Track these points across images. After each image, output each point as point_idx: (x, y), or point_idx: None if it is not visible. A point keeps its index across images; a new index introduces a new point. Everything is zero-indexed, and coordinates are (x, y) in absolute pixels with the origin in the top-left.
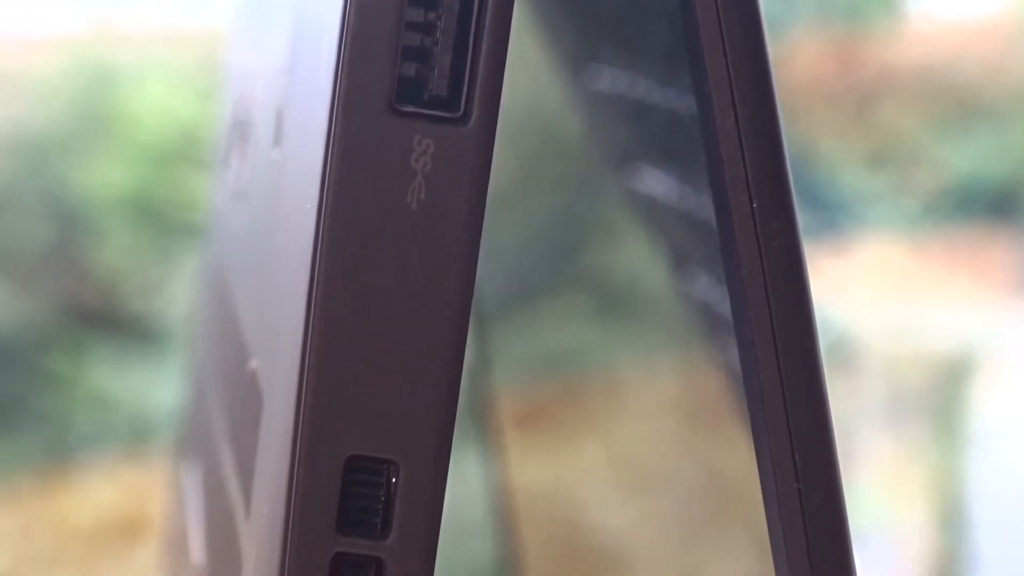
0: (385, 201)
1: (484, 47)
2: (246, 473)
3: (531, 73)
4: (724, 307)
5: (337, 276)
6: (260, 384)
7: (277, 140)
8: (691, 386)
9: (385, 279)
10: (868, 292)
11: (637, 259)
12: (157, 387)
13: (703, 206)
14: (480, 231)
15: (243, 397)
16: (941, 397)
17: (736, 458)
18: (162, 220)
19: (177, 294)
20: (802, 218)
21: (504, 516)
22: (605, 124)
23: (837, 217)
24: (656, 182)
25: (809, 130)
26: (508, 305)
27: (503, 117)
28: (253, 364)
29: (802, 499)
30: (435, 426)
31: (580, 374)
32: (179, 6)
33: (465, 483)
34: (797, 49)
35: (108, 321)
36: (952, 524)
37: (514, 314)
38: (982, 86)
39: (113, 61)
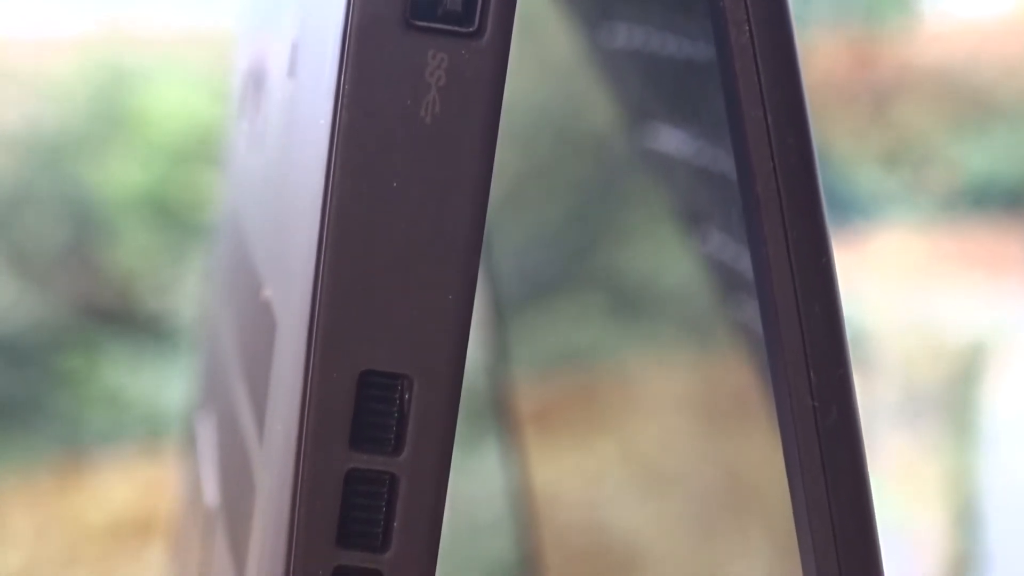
0: (399, 115)
1: None
2: (259, 401)
3: (547, 43)
4: (739, 264)
5: (350, 191)
6: (274, 310)
7: (292, 71)
8: (711, 382)
9: (399, 194)
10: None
11: (654, 250)
12: (171, 385)
13: (719, 159)
14: (494, 146)
15: (257, 327)
16: (956, 395)
17: (758, 452)
18: (177, 220)
19: (191, 293)
20: None
21: (523, 512)
22: (621, 84)
23: (852, 216)
24: (672, 139)
25: (825, 129)
26: (528, 300)
27: (519, 89)
28: (267, 293)
29: (816, 416)
30: (449, 341)
31: (599, 370)
32: (194, 7)
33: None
34: (813, 48)
35: (123, 320)
36: (966, 523)
37: (534, 309)
38: (998, 86)
39: (128, 61)
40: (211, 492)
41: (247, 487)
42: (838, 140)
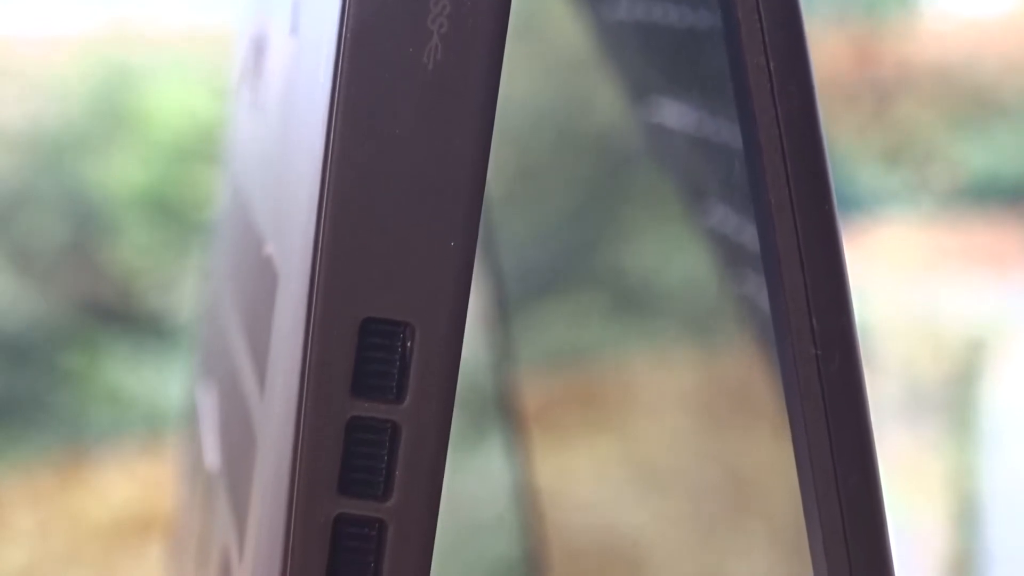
0: (401, 63)
1: None
2: (261, 357)
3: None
4: (743, 237)
5: (352, 139)
6: (275, 264)
7: (294, 29)
8: (718, 378)
9: (401, 141)
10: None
11: (659, 243)
12: (172, 383)
13: (722, 129)
14: (496, 93)
15: (258, 285)
16: (957, 392)
17: (765, 448)
18: (178, 218)
19: (192, 291)
20: None
21: (527, 510)
22: (623, 60)
23: (854, 214)
24: (675, 112)
25: (826, 127)
26: (533, 296)
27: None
28: (268, 248)
29: (819, 364)
30: (451, 288)
31: (604, 367)
32: (196, 6)
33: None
34: (814, 46)
35: (124, 318)
36: (967, 521)
37: (539, 306)
38: (999, 84)
39: (130, 60)
40: (212, 456)
41: (248, 443)
42: (840, 138)
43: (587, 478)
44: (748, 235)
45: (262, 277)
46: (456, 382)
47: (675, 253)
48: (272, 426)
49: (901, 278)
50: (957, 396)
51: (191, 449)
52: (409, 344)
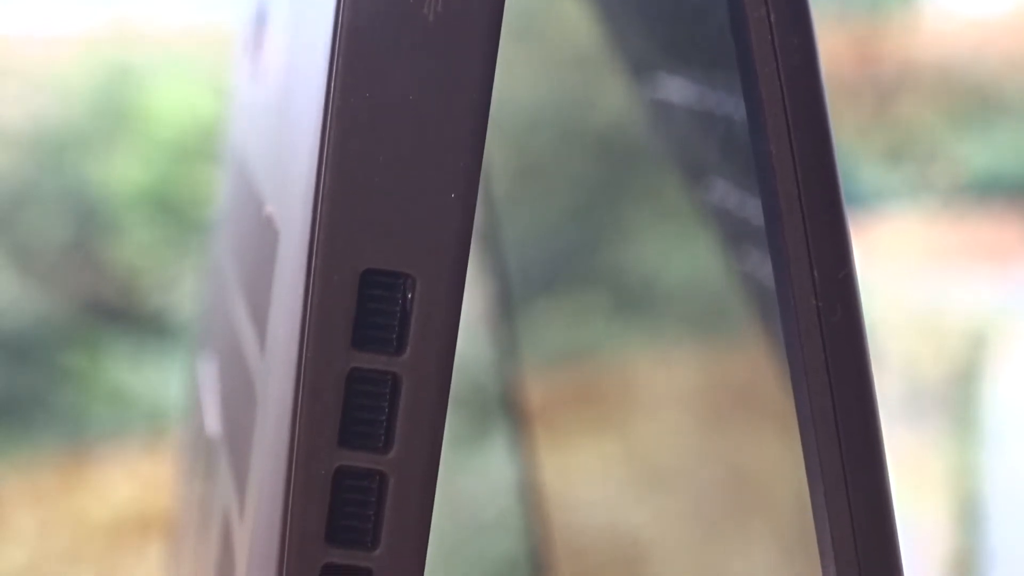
0: (402, 14)
1: None
2: (261, 315)
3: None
4: (745, 212)
5: (353, 91)
6: (276, 222)
7: None
8: (723, 375)
9: (401, 92)
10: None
11: (662, 238)
12: (174, 381)
13: (723, 101)
14: (497, 44)
15: (259, 244)
16: (958, 390)
17: (772, 445)
18: (180, 216)
19: (194, 289)
20: None
21: (531, 507)
22: (624, 33)
23: (856, 211)
24: (677, 86)
25: None
26: (537, 294)
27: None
28: (269, 208)
29: (820, 316)
30: (452, 240)
31: (607, 364)
32: (198, 5)
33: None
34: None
35: (126, 317)
36: (969, 518)
37: (543, 303)
38: (1001, 82)
39: (132, 58)
40: (213, 423)
41: (249, 402)
42: (842, 136)
43: (592, 476)
44: (751, 210)
45: (263, 237)
46: (457, 334)
47: (679, 248)
48: (272, 382)
49: (902, 275)
50: (959, 394)
51: (192, 426)
52: (410, 296)
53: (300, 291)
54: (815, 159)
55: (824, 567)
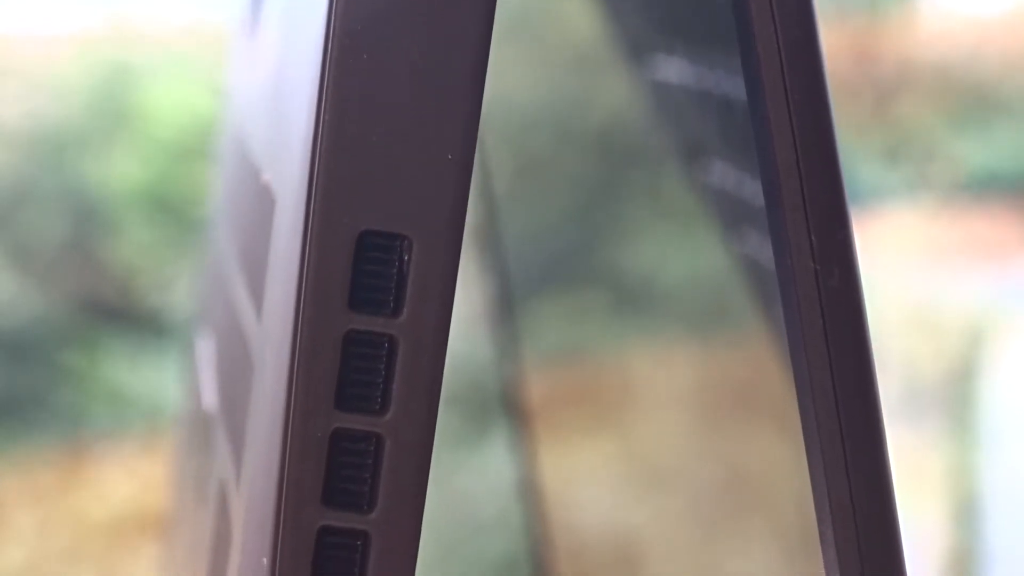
0: None
1: None
2: (258, 283)
3: None
4: (742, 191)
5: (350, 52)
6: (273, 189)
7: None
8: (724, 374)
9: (398, 54)
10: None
11: (663, 235)
12: (173, 381)
13: (721, 83)
14: (494, 4)
15: (256, 213)
16: (956, 389)
17: (774, 444)
18: (179, 215)
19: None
20: None
21: (531, 505)
22: (623, 18)
23: (854, 211)
24: (675, 67)
25: None
26: (538, 292)
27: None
28: (265, 177)
29: (818, 279)
30: (449, 201)
31: (608, 362)
32: (196, 3)
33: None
34: None
35: (125, 316)
36: (967, 518)
37: (543, 301)
38: (1000, 81)
39: (131, 57)
40: (210, 397)
41: (246, 370)
42: (840, 135)
43: (592, 475)
44: (750, 191)
45: (260, 206)
46: (453, 296)
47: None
48: (269, 347)
49: (900, 273)
50: (957, 393)
51: (189, 406)
52: (406, 258)
53: (296, 254)
54: (812, 122)
55: (823, 539)
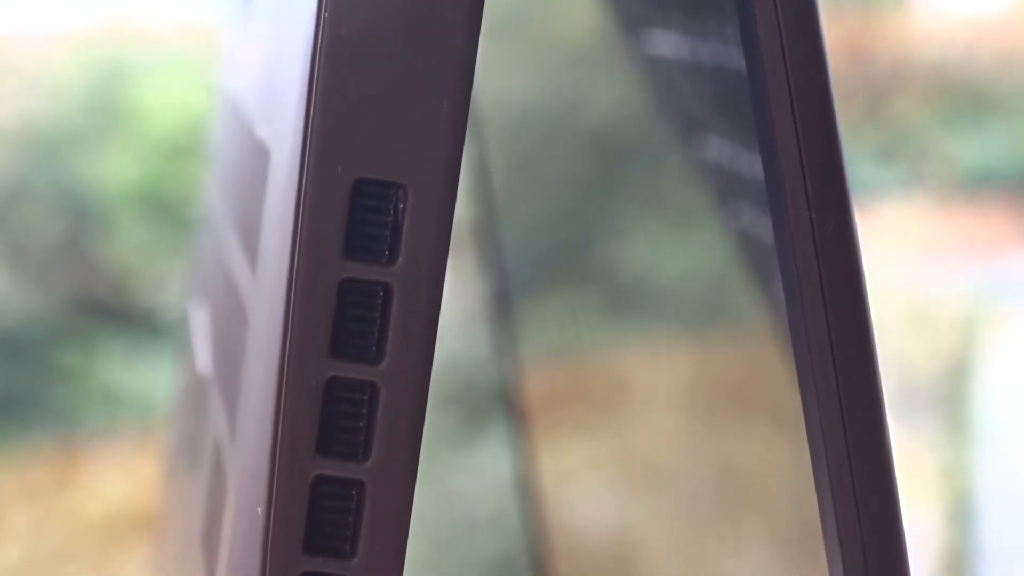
0: None
1: None
2: (252, 238)
3: None
4: (737, 165)
5: (344, 1)
6: (267, 144)
7: None
8: (724, 371)
9: (392, 1)
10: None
11: (661, 232)
12: (167, 380)
13: (717, 54)
14: None
15: (251, 169)
16: (950, 388)
17: (773, 441)
18: (173, 214)
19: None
20: None
21: (529, 504)
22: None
23: None
24: (668, 37)
25: None
26: (536, 290)
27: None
28: (260, 132)
29: (814, 227)
30: (444, 150)
31: (606, 360)
32: (191, 2)
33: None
34: None
35: (119, 315)
36: (961, 518)
37: (541, 300)
38: (994, 81)
39: (125, 56)
40: (204, 361)
41: (240, 326)
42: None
43: (589, 473)
44: (745, 161)
45: (255, 162)
46: (448, 244)
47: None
48: (263, 298)
49: (894, 270)
50: (951, 391)
51: (183, 376)
52: (402, 206)
53: (292, 203)
54: (809, 71)
55: (825, 530)
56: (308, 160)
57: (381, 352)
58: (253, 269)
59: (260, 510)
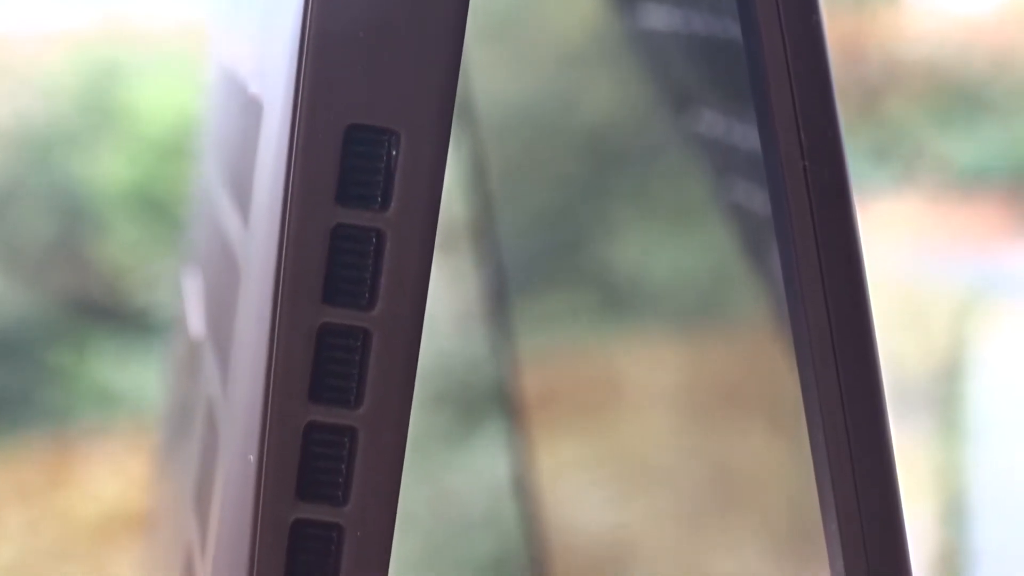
0: None
1: None
2: (245, 194)
3: None
4: (731, 138)
5: None
6: (260, 98)
7: None
8: (723, 370)
9: None
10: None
11: (658, 229)
12: (160, 379)
13: (710, 24)
14: None
15: (243, 127)
16: (944, 389)
17: (771, 440)
18: (166, 214)
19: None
20: None
21: (526, 502)
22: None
23: None
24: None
25: None
26: (533, 288)
27: None
28: (252, 89)
29: (807, 176)
30: (436, 96)
31: (603, 359)
32: (185, 2)
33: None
34: None
35: (112, 315)
36: (954, 517)
37: (538, 298)
38: (987, 80)
39: (119, 56)
40: (197, 324)
41: (232, 280)
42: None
43: (585, 472)
44: (739, 133)
45: (247, 118)
46: (441, 190)
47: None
48: (255, 247)
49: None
50: (944, 390)
51: (176, 345)
52: (394, 152)
53: (284, 151)
54: (802, 23)
55: (827, 530)
56: (300, 107)
57: (374, 298)
58: (246, 222)
59: (252, 458)
